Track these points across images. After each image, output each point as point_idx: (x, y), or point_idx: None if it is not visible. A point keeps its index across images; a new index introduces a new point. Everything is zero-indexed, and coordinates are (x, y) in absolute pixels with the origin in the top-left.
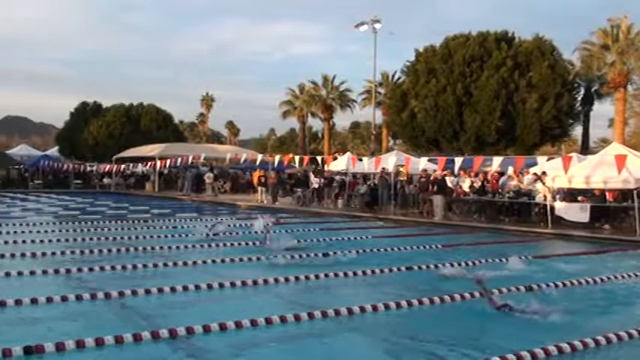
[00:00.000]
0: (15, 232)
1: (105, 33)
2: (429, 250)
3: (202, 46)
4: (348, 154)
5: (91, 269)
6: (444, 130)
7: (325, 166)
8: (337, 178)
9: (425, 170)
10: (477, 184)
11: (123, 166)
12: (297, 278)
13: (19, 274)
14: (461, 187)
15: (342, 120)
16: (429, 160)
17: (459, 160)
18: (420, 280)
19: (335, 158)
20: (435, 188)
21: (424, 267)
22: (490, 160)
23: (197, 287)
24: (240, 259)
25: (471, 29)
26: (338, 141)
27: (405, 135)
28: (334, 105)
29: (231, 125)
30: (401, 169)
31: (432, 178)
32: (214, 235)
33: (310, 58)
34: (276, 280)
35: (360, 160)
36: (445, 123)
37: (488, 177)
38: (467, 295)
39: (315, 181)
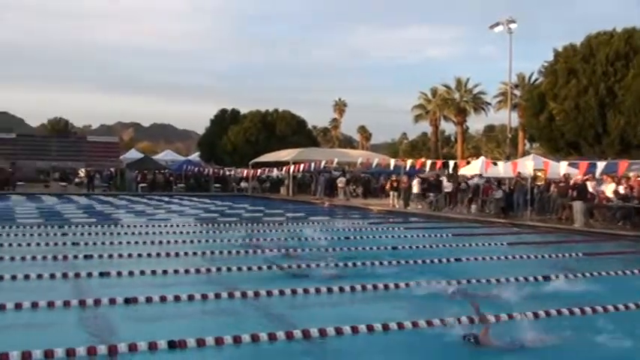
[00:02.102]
0: (160, 232)
1: (243, 44)
2: (569, 259)
3: (336, 53)
4: (482, 158)
5: (229, 269)
6: (585, 132)
7: (458, 171)
8: (470, 182)
9: (568, 174)
10: (622, 190)
11: (259, 170)
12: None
13: (164, 272)
14: (603, 192)
15: (476, 123)
16: (569, 165)
17: (601, 165)
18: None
19: (468, 162)
20: (575, 193)
21: (562, 277)
22: (637, 164)
23: (329, 290)
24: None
25: (615, 26)
26: (471, 145)
27: (542, 138)
28: (468, 108)
29: (363, 130)
30: (539, 173)
31: (571, 182)
32: None
33: (443, 61)
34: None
35: (495, 164)
36: (586, 125)
37: (632, 182)
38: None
39: (447, 186)
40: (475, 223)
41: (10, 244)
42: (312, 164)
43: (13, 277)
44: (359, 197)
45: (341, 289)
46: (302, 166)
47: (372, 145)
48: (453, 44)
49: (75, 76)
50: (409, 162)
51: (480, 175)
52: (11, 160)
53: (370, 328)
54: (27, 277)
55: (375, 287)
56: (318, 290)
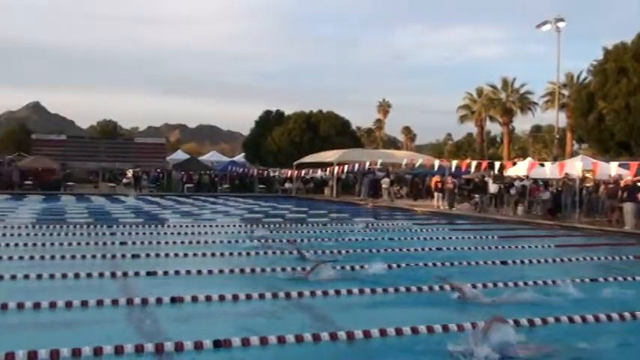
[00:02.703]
0: (206, 232)
1: (288, 45)
2: (619, 262)
3: (381, 53)
4: (528, 159)
5: (273, 269)
6: (636, 132)
7: (504, 172)
8: (517, 184)
9: (618, 175)
10: None
11: (303, 171)
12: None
13: (209, 272)
14: None
15: (523, 124)
16: (619, 165)
17: None
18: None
19: (514, 163)
20: (626, 195)
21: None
22: None
23: (372, 291)
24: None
25: None
26: (518, 145)
27: (591, 138)
28: (514, 108)
29: (407, 130)
30: (587, 174)
31: (622, 183)
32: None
33: (489, 60)
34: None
35: (542, 165)
36: (637, 125)
37: None
38: None
39: (493, 187)
40: (522, 225)
41: (61, 244)
42: (356, 165)
43: (64, 276)
44: (403, 198)
45: (385, 290)
46: (346, 167)
47: (416, 146)
48: (499, 44)
49: (123, 79)
50: (454, 163)
51: (527, 177)
52: (62, 161)
53: (415, 331)
54: (77, 275)
55: (419, 289)
56: (361, 291)
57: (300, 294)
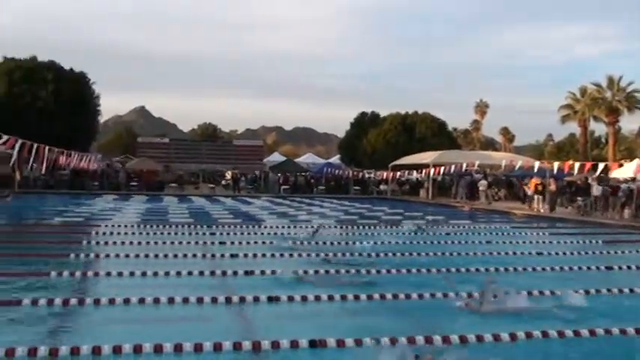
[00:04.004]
0: (302, 233)
1: (383, 46)
2: None
3: (477, 53)
4: (636, 160)
5: (368, 271)
6: None
7: (609, 174)
8: (623, 186)
9: None
10: None
11: (398, 173)
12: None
13: (305, 272)
14: None
15: (630, 123)
16: None
17: None
18: None
19: (621, 165)
20: None
21: None
22: None
23: (469, 296)
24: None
25: None
26: (624, 146)
27: None
28: (620, 107)
29: (505, 131)
30: None
31: None
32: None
33: (592, 59)
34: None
35: None
36: None
37: None
38: None
39: (597, 190)
40: (629, 230)
41: (164, 242)
42: (453, 167)
43: (167, 274)
44: (501, 201)
45: (469, 296)
46: (442, 168)
47: (515, 147)
48: (603, 42)
49: (223, 83)
50: (556, 164)
51: (634, 179)
52: (165, 163)
53: (513, 338)
54: (179, 274)
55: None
56: (456, 294)
57: (395, 296)
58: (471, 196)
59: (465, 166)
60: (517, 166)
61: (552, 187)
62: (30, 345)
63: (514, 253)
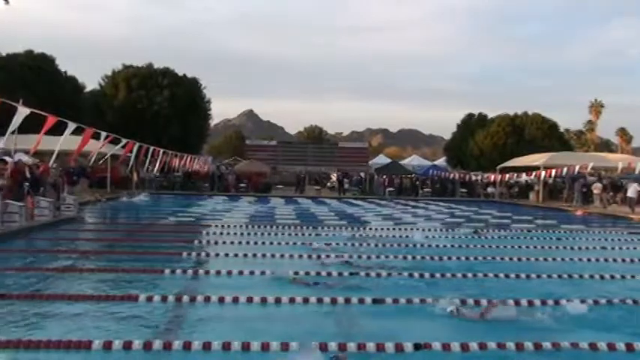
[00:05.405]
0: (407, 236)
1: (490, 47)
2: None
3: (592, 51)
4: None
5: (464, 275)
6: None
7: None
8: None
9: None
10: None
11: (507, 175)
12: None
13: (410, 275)
14: None
15: None
16: None
17: None
18: None
19: None
20: None
21: None
22: None
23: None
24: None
25: None
26: None
27: None
28: None
29: (622, 132)
30: None
31: None
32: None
33: None
34: None
35: None
36: None
37: None
38: None
39: None
40: None
41: (272, 243)
42: (565, 169)
43: (273, 273)
44: (618, 205)
45: (582, 302)
46: (553, 171)
47: (633, 149)
48: None
49: (328, 87)
50: None
51: None
52: (272, 165)
53: (631, 348)
54: (285, 273)
55: (622, 301)
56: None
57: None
58: (584, 200)
59: (577, 168)
60: (637, 169)
61: None
62: (145, 339)
63: (631, 260)
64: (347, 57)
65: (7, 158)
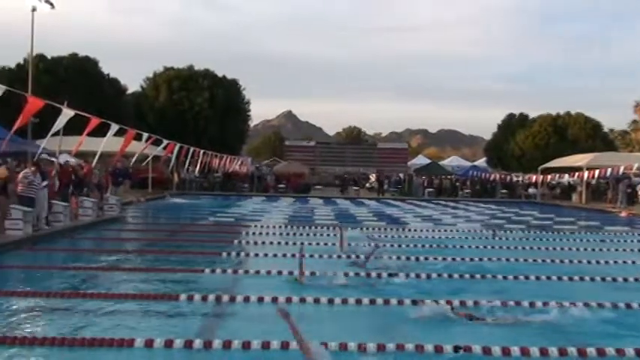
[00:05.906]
0: (447, 237)
1: (531, 46)
2: None
3: (635, 50)
4: None
5: (504, 277)
6: None
7: None
8: None
9: None
10: None
11: (549, 176)
12: None
13: (449, 276)
14: None
15: None
16: None
17: None
18: None
19: None
20: None
21: None
22: None
23: (614, 306)
24: None
25: None
26: None
27: None
28: None
29: None
30: None
31: None
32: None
33: None
34: None
35: None
36: None
37: None
38: None
39: None
40: None
41: (310, 243)
42: (609, 170)
43: (312, 274)
44: None
45: (628, 306)
46: (597, 172)
47: None
48: None
49: (368, 87)
50: None
51: None
52: (311, 165)
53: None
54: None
55: None
56: (599, 305)
57: (532, 304)
58: (629, 201)
59: (622, 169)
60: None
61: None
62: (186, 338)
63: None
64: (386, 57)
65: (52, 159)
